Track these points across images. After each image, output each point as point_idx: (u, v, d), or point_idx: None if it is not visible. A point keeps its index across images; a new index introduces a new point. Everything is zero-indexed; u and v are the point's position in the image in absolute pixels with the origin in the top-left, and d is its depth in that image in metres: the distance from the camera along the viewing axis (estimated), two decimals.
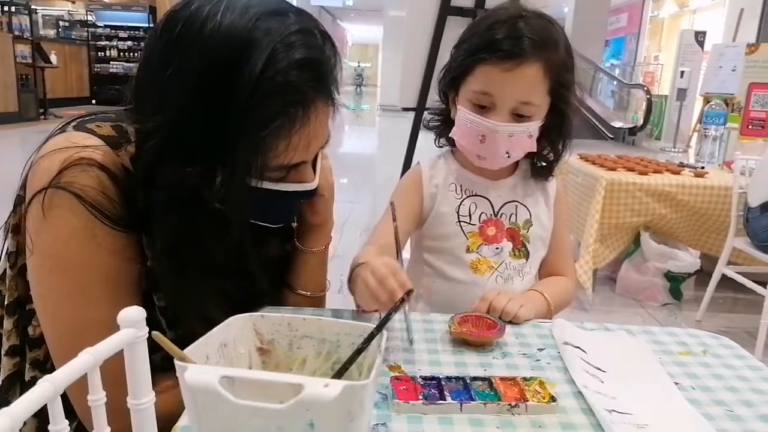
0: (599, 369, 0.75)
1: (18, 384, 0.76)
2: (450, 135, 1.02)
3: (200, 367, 0.42)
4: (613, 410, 0.65)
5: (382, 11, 13.72)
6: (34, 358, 0.75)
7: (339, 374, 0.50)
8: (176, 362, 0.42)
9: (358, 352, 0.50)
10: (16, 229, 0.73)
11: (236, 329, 0.51)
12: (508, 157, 0.97)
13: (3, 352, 0.75)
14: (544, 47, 0.90)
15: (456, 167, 1.05)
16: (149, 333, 0.41)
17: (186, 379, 0.41)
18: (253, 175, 0.69)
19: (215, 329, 0.48)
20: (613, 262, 2.89)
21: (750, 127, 7.05)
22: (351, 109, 16.03)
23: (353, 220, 4.26)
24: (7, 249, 0.75)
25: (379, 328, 0.50)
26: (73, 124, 0.72)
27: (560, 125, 0.99)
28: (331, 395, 0.39)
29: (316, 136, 0.72)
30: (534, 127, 0.95)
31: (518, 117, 0.93)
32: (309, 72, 0.67)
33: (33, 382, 0.73)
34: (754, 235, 2.34)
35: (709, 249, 2.82)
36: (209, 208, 0.68)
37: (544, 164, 1.04)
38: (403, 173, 2.83)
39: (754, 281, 2.42)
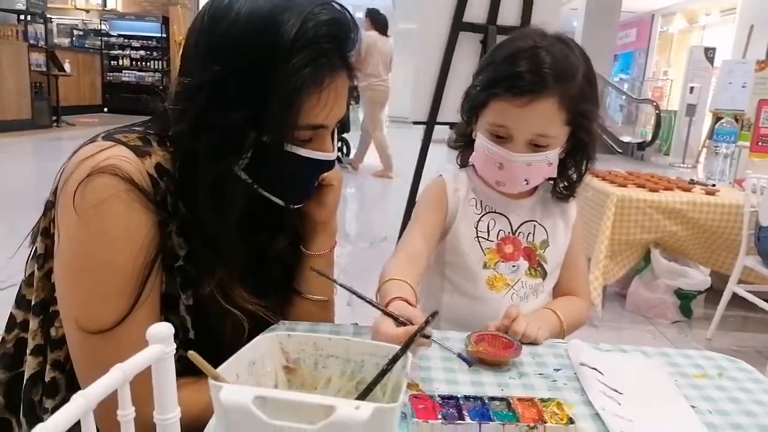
0: (616, 391, 0.75)
1: (40, 384, 0.77)
2: (471, 161, 1.05)
3: (235, 387, 0.43)
4: None
5: (393, 24, 13.81)
6: (55, 359, 0.76)
7: (364, 395, 0.51)
8: (210, 382, 0.43)
9: (383, 373, 0.51)
10: (45, 232, 0.76)
11: (264, 348, 0.52)
12: (527, 183, 0.99)
13: (29, 351, 0.77)
14: (560, 80, 0.91)
15: (477, 183, 1.06)
16: (186, 352, 0.42)
17: (221, 399, 0.42)
18: (287, 132, 0.73)
19: (245, 348, 0.50)
20: (623, 278, 2.88)
21: (760, 143, 7.02)
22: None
23: (361, 232, 4.28)
24: (36, 251, 0.78)
25: (404, 349, 0.51)
26: (102, 135, 0.75)
27: (582, 150, 1.00)
28: (363, 417, 0.40)
29: (338, 99, 0.76)
30: (552, 155, 0.96)
31: (535, 147, 0.94)
32: (336, 31, 0.73)
33: (53, 382, 0.75)
34: (766, 254, 2.33)
35: (719, 267, 2.81)
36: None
37: (565, 185, 1.05)
38: (413, 186, 2.85)
39: (765, 300, 2.41)
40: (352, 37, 0.76)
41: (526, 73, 0.90)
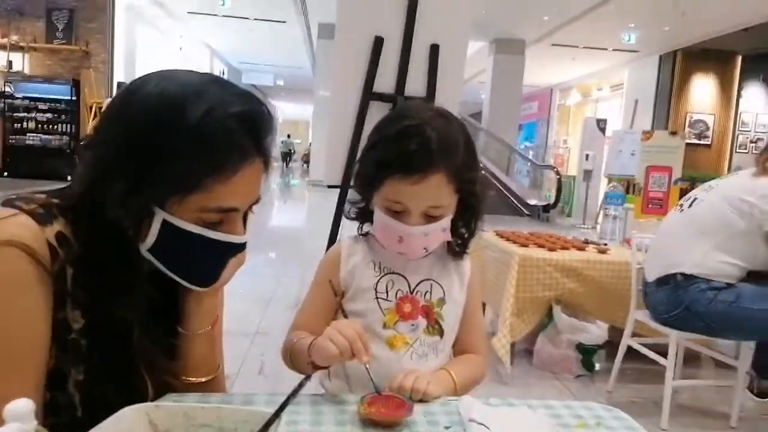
0: None
1: None
2: (371, 231, 1.09)
3: None
4: None
5: (313, 91, 14.18)
6: None
7: None
8: None
9: None
10: None
11: (130, 421, 0.51)
12: (426, 251, 1.05)
13: None
14: (447, 155, 0.98)
15: (376, 246, 1.10)
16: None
17: None
18: (176, 213, 0.74)
19: (105, 422, 0.48)
20: (529, 335, 2.99)
21: (650, 206, 7.71)
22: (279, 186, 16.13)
23: (279, 295, 4.20)
24: None
25: (277, 414, 0.51)
26: (1, 201, 0.73)
27: (470, 211, 1.07)
28: None
29: (249, 185, 0.77)
30: (446, 222, 1.03)
31: (430, 217, 1.01)
32: (247, 124, 0.75)
33: None
34: (653, 309, 2.51)
35: (614, 321, 2.99)
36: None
37: (459, 242, 1.11)
38: (328, 248, 2.87)
39: (657, 352, 2.58)
40: (266, 125, 0.78)
41: (416, 152, 0.96)
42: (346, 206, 1.15)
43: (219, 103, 0.73)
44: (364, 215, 1.11)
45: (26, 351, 0.68)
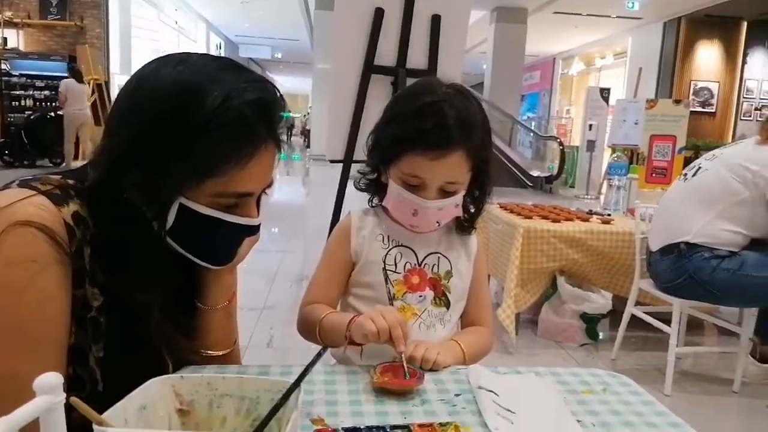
0: (509, 410, 0.80)
1: None
2: (383, 204, 1.10)
3: (118, 430, 0.43)
4: None
5: (311, 64, 14.03)
6: None
7: (258, 431, 0.52)
8: (95, 426, 0.43)
9: (276, 408, 0.52)
10: None
11: (155, 391, 0.52)
12: (438, 224, 1.07)
13: None
14: (466, 133, 0.99)
15: (386, 219, 1.12)
16: (67, 398, 0.42)
17: None
18: (192, 197, 0.75)
19: (133, 393, 0.49)
20: (534, 305, 3.02)
21: (654, 175, 7.67)
22: (281, 158, 16.03)
23: (284, 270, 4.24)
24: None
25: (297, 383, 0.53)
26: (17, 182, 0.74)
27: (481, 188, 1.09)
28: None
29: (263, 169, 0.79)
30: (459, 197, 1.05)
31: (445, 192, 1.02)
32: (262, 111, 0.76)
33: None
34: (657, 277, 2.53)
35: (619, 291, 3.02)
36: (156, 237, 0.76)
37: (467, 217, 1.12)
38: (333, 223, 2.88)
39: (660, 320, 2.61)
40: (279, 111, 0.80)
41: (435, 129, 0.97)
42: (356, 177, 1.16)
43: (235, 90, 0.73)
44: (375, 187, 1.12)
45: (48, 328, 0.70)
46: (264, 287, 3.70)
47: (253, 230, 0.84)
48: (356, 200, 1.18)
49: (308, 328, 1.05)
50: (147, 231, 0.77)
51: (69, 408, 0.43)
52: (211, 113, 0.71)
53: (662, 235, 2.46)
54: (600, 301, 2.92)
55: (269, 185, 0.84)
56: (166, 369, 0.82)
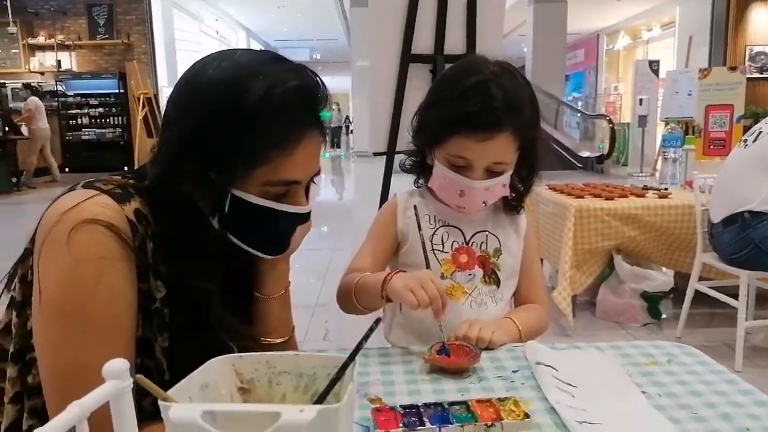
0: (570, 384, 0.78)
1: None
2: (429, 185, 1.09)
3: (183, 404, 0.45)
4: (585, 422, 0.69)
5: (350, 62, 14.10)
6: (32, 407, 0.76)
7: (317, 404, 0.52)
8: (160, 402, 0.44)
9: (333, 382, 0.53)
10: (23, 279, 0.77)
11: (215, 371, 0.54)
12: (485, 205, 1.06)
13: (7, 400, 0.77)
14: (514, 114, 0.97)
15: (430, 200, 1.12)
16: (142, 359, 0.44)
17: (170, 417, 0.43)
18: (243, 188, 0.77)
19: (195, 372, 0.51)
20: (591, 286, 2.94)
21: (712, 147, 7.32)
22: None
23: (335, 266, 4.28)
24: (13, 299, 0.78)
25: (352, 357, 0.53)
26: (82, 183, 0.78)
27: (529, 167, 1.07)
28: (308, 419, 0.42)
29: (310, 157, 0.80)
30: (507, 177, 1.03)
31: (492, 173, 1.01)
32: (303, 97, 0.78)
33: (29, 430, 0.75)
34: (720, 250, 2.42)
35: (680, 267, 2.90)
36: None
37: (515, 196, 1.11)
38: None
39: (727, 294, 2.49)
40: (321, 99, 0.81)
41: (482, 112, 0.95)
42: (402, 158, 1.16)
43: (278, 79, 0.75)
44: (420, 168, 1.12)
45: (118, 322, 0.73)
46: (316, 285, 3.75)
47: (304, 218, 0.85)
48: (401, 191, 1.18)
49: (344, 293, 1.04)
50: (204, 224, 0.79)
51: (139, 400, 0.44)
52: (256, 103, 0.73)
53: (724, 206, 2.34)
54: (661, 279, 2.82)
55: (317, 173, 0.85)
56: None
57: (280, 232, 0.85)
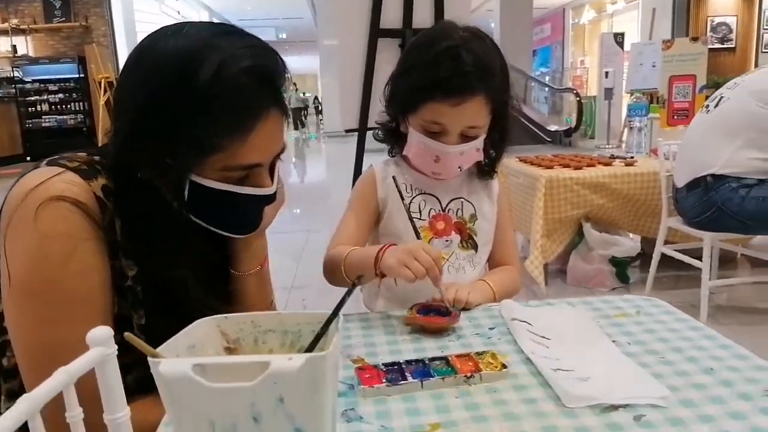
0: (544, 337, 0.82)
1: None
2: (404, 153, 1.10)
3: (173, 359, 0.46)
4: (558, 369, 0.72)
5: (317, 41, 13.90)
6: (9, 389, 0.76)
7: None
8: (149, 359, 0.45)
9: (319, 336, 0.54)
10: None
11: (202, 332, 0.55)
12: (460, 170, 1.07)
13: None
14: (486, 78, 0.98)
15: (406, 168, 1.13)
16: (121, 335, 0.44)
17: (161, 372, 0.44)
18: (201, 173, 0.75)
19: (181, 333, 0.52)
20: (561, 255, 3.02)
21: (675, 117, 7.48)
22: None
23: (310, 247, 4.28)
24: None
25: (335, 313, 0.55)
26: (46, 161, 0.76)
27: (500, 131, 1.09)
28: (296, 366, 0.43)
29: (270, 138, 0.77)
30: (480, 141, 1.05)
31: (466, 137, 1.02)
32: (259, 78, 0.74)
33: None
34: (685, 214, 2.50)
35: (647, 232, 2.99)
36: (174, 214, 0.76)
37: (487, 162, 1.13)
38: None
39: (691, 257, 2.59)
40: (279, 75, 0.77)
41: (454, 77, 0.96)
42: (375, 129, 1.17)
43: (229, 57, 0.71)
44: (394, 137, 1.13)
45: (93, 296, 0.72)
46: (292, 266, 3.75)
47: (269, 199, 0.83)
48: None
49: (333, 267, 1.03)
50: (167, 208, 0.77)
51: (125, 372, 0.45)
52: (205, 85, 0.69)
53: (687, 171, 2.42)
54: (628, 244, 2.90)
55: (281, 151, 0.82)
56: None
57: (245, 213, 0.83)
